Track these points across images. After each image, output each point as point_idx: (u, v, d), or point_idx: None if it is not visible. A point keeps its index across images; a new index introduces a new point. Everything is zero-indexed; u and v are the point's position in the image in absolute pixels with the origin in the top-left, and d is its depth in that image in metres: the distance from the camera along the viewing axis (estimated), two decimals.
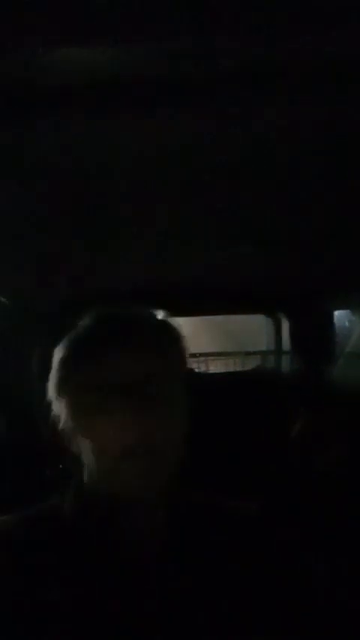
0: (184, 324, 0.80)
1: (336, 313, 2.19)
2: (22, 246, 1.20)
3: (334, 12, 0.50)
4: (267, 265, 1.52)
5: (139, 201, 0.96)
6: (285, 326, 2.24)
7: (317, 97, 0.63)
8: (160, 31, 0.52)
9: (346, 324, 2.50)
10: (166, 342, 0.75)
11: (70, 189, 0.88)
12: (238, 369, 4.15)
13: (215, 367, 4.22)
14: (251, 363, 4.09)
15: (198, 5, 0.49)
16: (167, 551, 0.74)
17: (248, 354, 4.30)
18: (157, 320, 0.80)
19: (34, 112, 0.62)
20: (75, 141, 0.71)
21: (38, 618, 0.69)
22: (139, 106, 0.62)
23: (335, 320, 2.16)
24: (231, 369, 4.19)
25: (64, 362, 0.76)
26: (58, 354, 0.78)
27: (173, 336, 0.78)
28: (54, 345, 0.81)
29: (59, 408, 0.75)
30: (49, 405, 0.78)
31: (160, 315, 0.82)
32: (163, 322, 0.80)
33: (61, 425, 0.75)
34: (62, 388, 0.75)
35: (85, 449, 0.74)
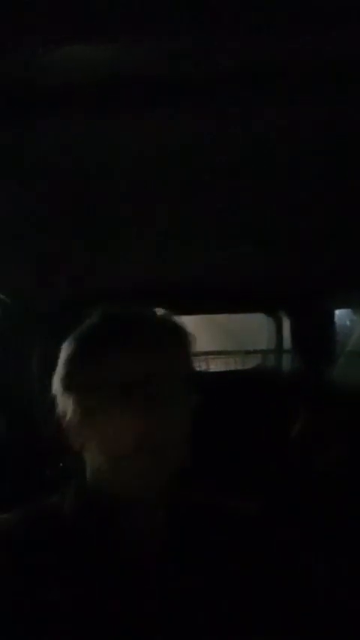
0: (184, 323, 0.80)
1: (337, 312, 2.18)
2: (22, 246, 1.20)
3: (334, 12, 0.50)
4: (267, 264, 1.52)
5: (139, 201, 0.96)
6: (285, 325, 2.24)
7: (317, 97, 0.63)
8: (160, 31, 0.52)
9: (347, 323, 2.50)
10: (170, 342, 0.75)
11: (70, 189, 0.88)
12: (239, 367, 4.15)
13: (215, 366, 4.22)
14: (252, 362, 4.09)
15: (198, 5, 0.49)
16: (167, 551, 0.74)
17: (249, 352, 4.30)
18: (163, 320, 0.79)
19: (34, 112, 0.62)
20: (75, 141, 0.71)
21: (38, 618, 0.69)
22: (139, 106, 0.62)
23: (336, 319, 2.16)
24: (231, 367, 4.19)
25: (71, 359, 0.76)
26: (65, 350, 0.77)
27: (178, 336, 0.77)
28: (54, 344, 0.81)
29: (65, 404, 0.75)
30: (53, 400, 0.78)
31: (167, 314, 0.81)
32: (169, 322, 0.79)
33: (66, 420, 0.75)
34: (68, 385, 0.75)
35: (88, 445, 0.74)
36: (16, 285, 1.54)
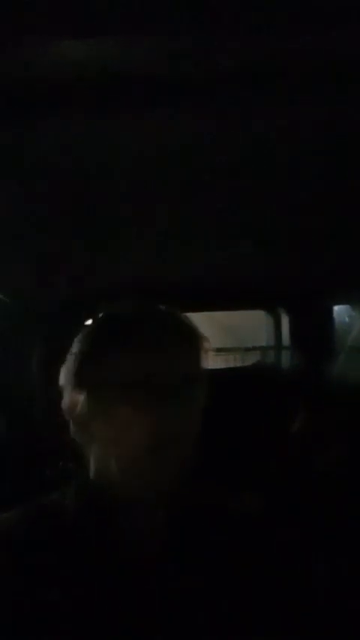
0: None
1: (336, 308, 2.18)
2: (22, 246, 1.20)
3: (334, 12, 0.50)
4: (267, 263, 1.52)
5: (139, 201, 0.96)
6: (285, 322, 2.24)
7: (317, 97, 0.63)
8: (160, 31, 0.52)
9: (346, 319, 2.50)
10: (171, 342, 0.75)
11: (70, 189, 0.88)
12: (238, 364, 4.16)
13: (215, 363, 4.21)
14: (251, 359, 4.09)
15: (198, 5, 0.49)
16: (167, 551, 0.74)
17: (248, 349, 4.30)
18: (168, 318, 0.79)
19: (34, 112, 0.62)
20: (75, 141, 0.71)
21: (38, 617, 0.69)
22: (139, 106, 0.62)
23: (335, 315, 2.16)
24: (231, 364, 4.19)
25: (80, 355, 0.76)
26: (76, 346, 0.78)
27: (181, 335, 0.77)
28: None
29: (74, 399, 0.75)
30: (58, 392, 0.78)
31: (174, 312, 0.81)
32: (174, 321, 0.79)
33: (74, 415, 0.75)
34: (79, 381, 0.75)
35: (94, 442, 0.74)
36: (16, 285, 1.54)
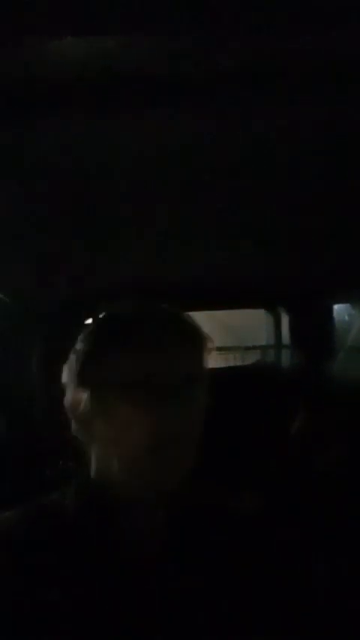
0: None
1: (335, 307, 2.18)
2: (22, 246, 1.20)
3: (334, 12, 0.50)
4: (267, 262, 1.52)
5: (139, 201, 0.96)
6: (285, 320, 2.24)
7: (317, 97, 0.63)
8: (160, 31, 0.52)
9: (346, 318, 2.49)
10: (172, 342, 0.75)
11: (70, 189, 0.88)
12: (238, 363, 4.16)
13: (215, 362, 4.21)
14: (251, 358, 4.09)
15: (198, 5, 0.49)
16: (167, 551, 0.74)
17: (248, 348, 4.30)
18: (169, 318, 0.79)
19: (34, 112, 0.62)
20: (75, 141, 0.71)
21: (38, 617, 0.69)
22: (139, 106, 0.62)
23: (335, 314, 2.16)
24: (231, 363, 4.19)
25: (83, 355, 0.76)
26: (80, 344, 0.77)
27: (182, 335, 0.77)
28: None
29: (77, 397, 0.75)
30: (61, 390, 0.78)
31: (176, 311, 0.80)
32: (175, 320, 0.78)
33: (77, 413, 0.75)
34: (82, 380, 0.75)
35: (96, 441, 0.74)
36: (16, 285, 1.54)
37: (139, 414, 0.69)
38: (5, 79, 0.57)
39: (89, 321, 0.84)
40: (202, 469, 0.73)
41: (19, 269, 1.37)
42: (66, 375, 0.78)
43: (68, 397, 0.77)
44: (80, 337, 0.78)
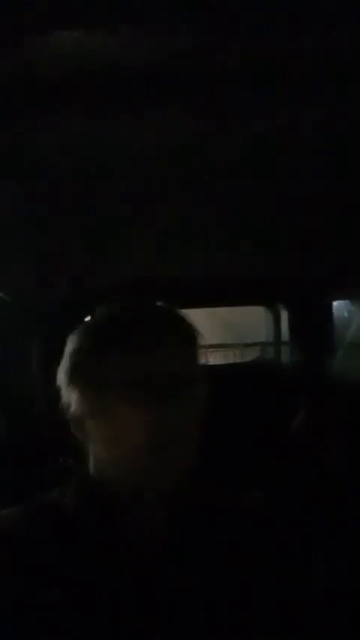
0: None
1: (335, 304, 2.18)
2: (22, 246, 1.20)
3: (334, 12, 0.50)
4: (266, 259, 1.52)
5: (139, 201, 0.96)
6: (284, 317, 2.24)
7: (317, 97, 0.63)
8: (160, 31, 0.52)
9: (345, 314, 2.49)
10: (171, 342, 0.74)
11: (70, 189, 0.88)
12: (238, 360, 4.15)
13: (215, 359, 4.22)
14: (251, 355, 4.09)
15: (198, 5, 0.49)
16: (167, 551, 0.74)
17: (248, 345, 4.30)
18: (167, 317, 0.78)
19: (34, 112, 0.62)
20: (75, 141, 0.71)
21: (38, 616, 0.68)
22: (139, 105, 0.62)
23: (334, 310, 2.16)
24: (230, 360, 4.19)
25: (76, 354, 0.76)
26: (71, 344, 0.77)
27: (181, 335, 0.77)
28: (54, 345, 0.81)
29: (69, 397, 0.75)
30: (57, 391, 0.78)
31: (171, 310, 0.80)
32: (173, 319, 0.78)
33: (71, 411, 0.75)
34: (72, 379, 0.75)
35: (91, 441, 0.74)
36: (16, 285, 1.54)
37: (139, 414, 0.69)
38: (5, 79, 0.57)
39: (87, 319, 0.83)
40: (202, 469, 0.73)
41: (19, 269, 1.38)
42: (61, 377, 0.77)
43: (63, 398, 0.77)
44: (71, 338, 0.78)
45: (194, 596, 0.72)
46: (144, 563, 0.72)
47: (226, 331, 4.56)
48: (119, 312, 0.77)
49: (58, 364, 0.79)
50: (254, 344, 4.01)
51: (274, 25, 0.52)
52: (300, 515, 0.95)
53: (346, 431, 1.45)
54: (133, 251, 1.34)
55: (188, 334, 0.77)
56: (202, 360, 0.79)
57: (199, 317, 0.81)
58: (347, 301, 2.40)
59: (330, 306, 2.12)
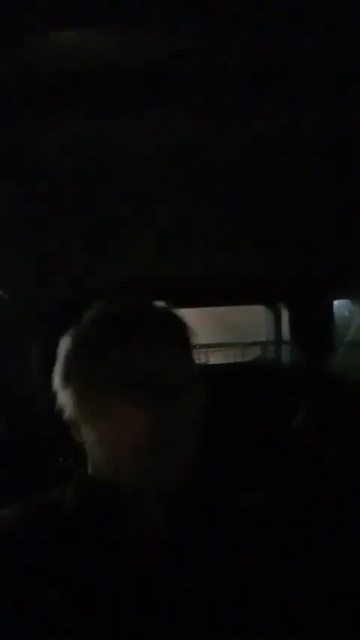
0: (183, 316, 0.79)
1: (335, 303, 2.18)
2: (22, 246, 1.20)
3: (334, 12, 0.50)
4: (266, 258, 1.52)
5: (139, 201, 0.96)
6: (285, 316, 2.24)
7: (317, 97, 0.63)
8: (160, 31, 0.52)
9: (346, 313, 2.49)
10: (171, 341, 0.74)
11: (70, 189, 0.88)
12: (238, 360, 4.15)
13: (215, 358, 4.21)
14: (251, 354, 4.09)
15: (198, 5, 0.49)
16: (167, 551, 0.73)
17: (248, 345, 4.30)
18: (164, 316, 0.78)
19: (34, 112, 0.62)
20: (75, 141, 0.71)
21: (37, 616, 0.68)
22: (139, 105, 0.62)
23: (335, 310, 2.16)
24: (231, 360, 4.18)
25: (69, 356, 0.76)
26: (63, 346, 0.77)
27: (179, 334, 0.77)
28: (54, 344, 0.81)
29: (64, 399, 0.75)
30: (54, 394, 0.77)
31: (167, 308, 0.80)
32: (170, 319, 0.78)
33: (66, 415, 0.75)
34: (67, 382, 0.75)
35: (89, 442, 0.74)
36: (16, 285, 1.54)
37: (139, 413, 0.69)
38: (5, 79, 0.57)
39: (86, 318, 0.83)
40: (202, 469, 0.73)
41: (19, 269, 1.38)
42: (56, 380, 0.77)
43: (59, 401, 0.76)
44: (63, 339, 0.78)
45: (194, 596, 0.72)
46: (144, 563, 0.72)
47: (226, 331, 4.56)
48: (117, 312, 0.77)
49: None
50: (254, 343, 4.01)
51: (274, 25, 0.52)
52: (300, 515, 0.95)
53: (346, 431, 1.45)
54: (133, 251, 1.34)
55: (186, 334, 0.77)
56: (203, 360, 0.79)
57: (199, 316, 0.81)
58: (348, 300, 2.40)
59: (331, 306, 2.12)
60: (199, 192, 0.93)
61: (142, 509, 0.74)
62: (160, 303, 0.81)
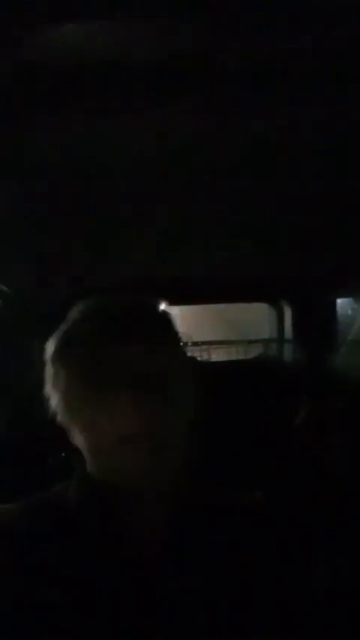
0: (186, 313, 0.79)
1: (338, 301, 2.18)
2: (22, 246, 1.20)
3: (334, 12, 0.50)
4: (268, 257, 1.52)
5: (139, 201, 0.96)
6: (287, 314, 2.24)
7: (317, 97, 0.63)
8: (160, 31, 0.52)
9: (349, 312, 2.49)
10: (158, 340, 0.74)
11: (70, 189, 0.88)
12: (241, 357, 4.15)
13: (218, 355, 4.21)
14: (254, 352, 4.09)
15: (198, 5, 0.49)
16: (167, 551, 0.73)
17: (251, 342, 4.30)
18: (148, 314, 0.78)
19: (34, 112, 0.62)
20: (75, 141, 0.71)
21: (36, 613, 0.68)
22: (139, 105, 0.62)
23: (337, 308, 2.15)
24: (233, 357, 4.18)
25: (53, 357, 0.76)
26: (49, 348, 0.77)
27: (165, 332, 0.76)
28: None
29: (55, 402, 0.75)
30: (48, 399, 0.77)
31: (151, 304, 0.79)
32: (154, 316, 0.77)
33: (58, 418, 0.75)
34: (53, 382, 0.75)
35: (79, 441, 0.74)
36: (16, 285, 1.54)
37: (126, 408, 0.68)
38: (5, 79, 0.57)
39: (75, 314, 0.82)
40: (202, 469, 0.73)
41: (19, 269, 1.38)
42: (48, 386, 0.77)
43: (51, 404, 0.76)
44: (48, 343, 0.77)
45: (194, 596, 0.72)
46: (144, 562, 0.72)
47: (228, 328, 4.57)
48: (104, 308, 0.76)
49: None
50: (257, 341, 4.01)
51: (274, 25, 0.52)
52: (300, 515, 0.95)
53: (348, 431, 1.45)
54: (133, 251, 1.34)
55: (168, 331, 0.77)
56: (205, 357, 0.79)
57: (201, 313, 0.80)
58: (351, 299, 2.40)
59: (333, 304, 2.12)
60: (199, 192, 0.93)
61: (142, 509, 0.73)
62: (145, 298, 0.80)
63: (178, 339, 0.77)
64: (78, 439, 0.74)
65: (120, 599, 0.70)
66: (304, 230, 1.21)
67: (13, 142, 0.69)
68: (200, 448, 0.73)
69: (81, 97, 0.60)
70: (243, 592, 0.74)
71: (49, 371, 0.76)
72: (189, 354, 0.78)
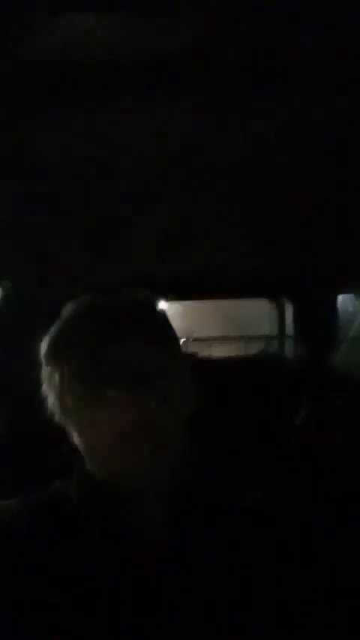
0: (186, 309, 0.78)
1: (339, 298, 2.17)
2: (22, 246, 1.20)
3: (334, 12, 0.50)
4: (269, 255, 1.51)
5: (139, 201, 0.96)
6: (288, 311, 2.23)
7: (317, 97, 0.63)
8: (160, 31, 0.52)
9: (350, 308, 2.49)
10: (152, 339, 0.73)
11: (70, 189, 0.88)
12: (241, 353, 4.14)
13: (218, 352, 4.20)
14: (254, 348, 4.08)
15: (198, 4, 0.49)
16: (167, 551, 0.73)
17: (251, 338, 4.29)
18: (145, 309, 0.77)
19: (34, 112, 0.62)
20: (75, 141, 0.71)
21: (35, 612, 0.68)
22: (139, 105, 0.62)
23: (338, 305, 2.15)
24: (234, 353, 4.18)
25: (47, 356, 0.75)
26: (43, 347, 0.77)
27: (162, 326, 0.76)
28: None
29: (51, 402, 0.75)
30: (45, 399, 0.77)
31: (144, 298, 0.79)
32: (148, 311, 0.77)
33: (55, 418, 0.74)
34: (49, 382, 0.75)
35: (77, 441, 0.74)
36: (16, 285, 1.54)
37: (118, 403, 0.68)
38: (5, 79, 0.57)
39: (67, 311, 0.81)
40: (202, 468, 0.73)
41: (19, 269, 1.38)
42: (44, 387, 0.77)
43: (48, 405, 0.76)
44: (42, 344, 0.77)
45: (194, 596, 0.72)
46: (144, 562, 0.72)
47: (229, 324, 4.56)
48: (102, 307, 0.76)
49: None
50: (258, 337, 4.00)
51: (274, 25, 0.52)
52: (300, 514, 0.95)
53: (348, 430, 1.45)
54: (133, 251, 1.34)
55: (170, 328, 0.76)
56: (206, 353, 0.78)
57: (202, 310, 0.80)
58: (352, 295, 2.40)
59: (335, 301, 2.12)
60: (199, 192, 0.93)
61: (142, 509, 0.73)
62: (140, 294, 0.79)
63: (177, 338, 0.77)
64: (77, 439, 0.74)
65: (120, 598, 0.70)
66: (305, 228, 1.21)
67: (13, 141, 0.69)
68: (200, 447, 0.73)
69: (81, 96, 0.60)
70: (243, 592, 0.74)
71: (44, 370, 0.76)
72: (191, 349, 0.78)
